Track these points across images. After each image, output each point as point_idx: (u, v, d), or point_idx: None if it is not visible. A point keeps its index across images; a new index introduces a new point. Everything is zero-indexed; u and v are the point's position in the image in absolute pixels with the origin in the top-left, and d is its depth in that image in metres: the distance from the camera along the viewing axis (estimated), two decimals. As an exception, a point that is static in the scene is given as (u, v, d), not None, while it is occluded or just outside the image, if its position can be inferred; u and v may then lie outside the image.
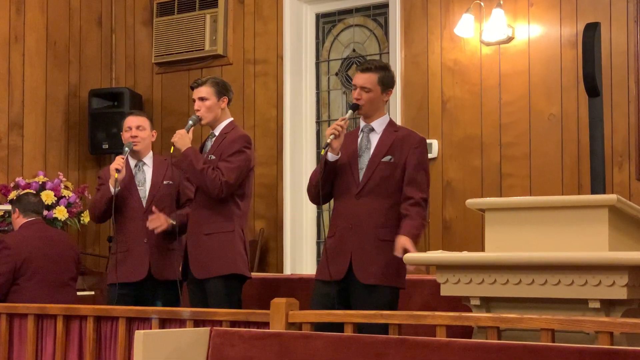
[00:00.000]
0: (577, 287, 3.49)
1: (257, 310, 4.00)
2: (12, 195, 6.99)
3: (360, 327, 3.73)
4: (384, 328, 3.64)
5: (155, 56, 7.81)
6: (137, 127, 5.27)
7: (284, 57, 7.29)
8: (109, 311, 4.42)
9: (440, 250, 4.25)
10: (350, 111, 4.48)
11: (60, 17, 7.78)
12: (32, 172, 7.33)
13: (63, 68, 7.78)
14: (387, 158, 4.40)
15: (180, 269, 5.00)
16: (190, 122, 4.91)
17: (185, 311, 4.16)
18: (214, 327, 3.80)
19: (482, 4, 6.46)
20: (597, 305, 3.45)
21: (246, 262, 4.89)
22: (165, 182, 5.25)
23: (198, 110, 4.95)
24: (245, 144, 4.91)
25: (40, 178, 7.18)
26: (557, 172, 6.18)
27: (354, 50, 7.29)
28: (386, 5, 7.04)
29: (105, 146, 7.58)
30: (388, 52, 6.99)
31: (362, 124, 4.55)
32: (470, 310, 3.75)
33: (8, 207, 6.83)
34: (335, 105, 7.31)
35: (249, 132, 7.11)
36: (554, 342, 3.17)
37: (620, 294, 3.42)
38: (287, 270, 7.09)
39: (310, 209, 7.20)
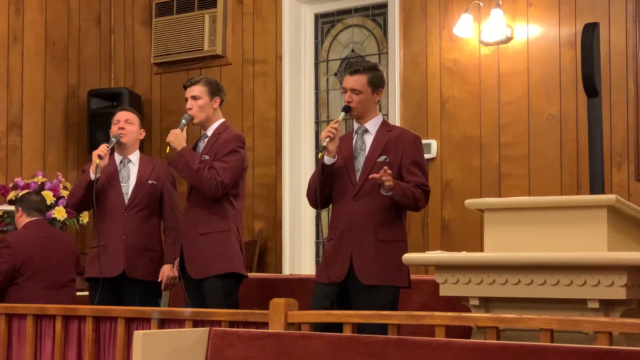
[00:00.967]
0: (576, 287, 3.49)
1: (256, 310, 4.00)
2: (11, 195, 6.99)
3: (359, 328, 3.73)
4: (383, 328, 3.64)
5: (154, 56, 7.81)
6: (126, 121, 5.27)
7: (283, 57, 7.29)
8: (108, 311, 4.42)
9: (439, 251, 4.24)
10: (343, 113, 4.48)
11: (59, 17, 7.78)
12: (31, 173, 7.32)
13: (62, 68, 7.78)
14: (382, 158, 4.40)
15: (176, 267, 5.01)
16: (183, 121, 4.92)
17: (184, 311, 4.16)
18: (213, 327, 3.80)
19: (481, 4, 6.46)
20: (596, 305, 3.46)
21: (243, 261, 4.89)
22: (150, 182, 5.24)
23: (190, 109, 4.95)
24: (239, 143, 4.92)
25: (39, 178, 7.17)
26: (556, 173, 6.18)
27: (353, 51, 7.29)
28: (385, 6, 7.04)
29: (104, 146, 7.57)
30: (387, 52, 7.00)
31: (355, 125, 4.55)
32: (469, 311, 3.75)
33: (7, 207, 6.84)
34: (334, 106, 7.31)
35: (247, 132, 7.16)
36: (552, 342, 3.17)
37: (619, 294, 3.42)
38: (286, 271, 7.10)
39: (309, 209, 7.19)
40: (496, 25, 6.34)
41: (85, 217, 7.18)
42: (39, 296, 5.35)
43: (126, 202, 5.17)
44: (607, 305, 3.49)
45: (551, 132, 6.22)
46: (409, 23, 6.77)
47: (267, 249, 7.27)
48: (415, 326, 3.73)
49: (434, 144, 6.56)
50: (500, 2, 6.33)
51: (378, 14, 7.17)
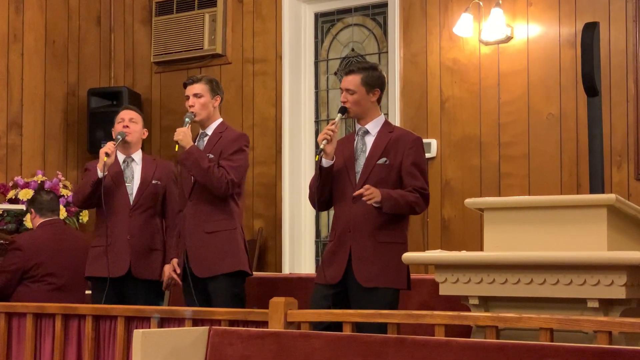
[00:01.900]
0: (576, 287, 3.49)
1: (256, 309, 4.00)
2: (11, 194, 7.00)
3: (359, 327, 3.73)
4: (382, 329, 3.64)
5: (154, 55, 7.81)
6: (130, 119, 5.25)
7: (283, 57, 7.29)
8: (108, 310, 4.42)
9: (439, 250, 4.25)
10: (339, 114, 4.46)
11: (59, 16, 7.77)
12: (30, 171, 7.32)
13: (62, 67, 7.78)
14: (382, 160, 4.39)
15: (181, 268, 5.00)
16: (187, 120, 4.90)
17: (184, 310, 4.16)
18: (213, 327, 3.80)
19: (481, 3, 6.46)
20: (596, 304, 3.46)
21: (248, 260, 4.91)
22: (153, 182, 5.24)
23: (192, 107, 4.93)
24: (245, 142, 4.96)
25: (39, 177, 7.17)
26: (555, 172, 6.18)
27: (353, 50, 7.29)
28: (385, 5, 7.04)
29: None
30: (387, 52, 7.00)
31: (356, 126, 4.54)
32: (468, 310, 3.76)
33: (7, 206, 6.84)
34: (334, 105, 7.31)
35: (247, 131, 7.14)
36: (552, 341, 3.17)
37: (619, 293, 3.42)
38: (286, 270, 7.09)
39: (309, 208, 7.16)
40: (496, 24, 6.34)
41: (85, 216, 7.17)
42: (48, 298, 5.28)
43: (131, 202, 5.17)
44: (607, 305, 3.49)
45: (551, 131, 6.21)
46: (409, 22, 6.77)
47: (266, 248, 7.27)
48: (414, 325, 3.73)
49: (433, 143, 6.56)
50: (500, 2, 6.33)
51: (378, 13, 7.17)
